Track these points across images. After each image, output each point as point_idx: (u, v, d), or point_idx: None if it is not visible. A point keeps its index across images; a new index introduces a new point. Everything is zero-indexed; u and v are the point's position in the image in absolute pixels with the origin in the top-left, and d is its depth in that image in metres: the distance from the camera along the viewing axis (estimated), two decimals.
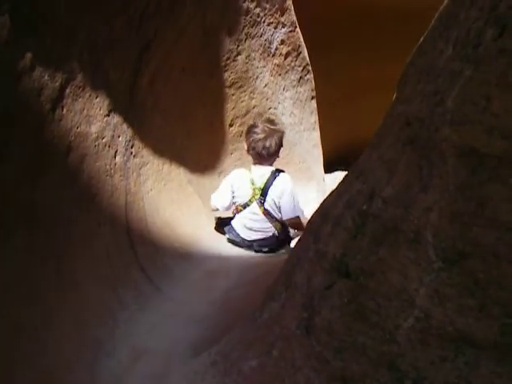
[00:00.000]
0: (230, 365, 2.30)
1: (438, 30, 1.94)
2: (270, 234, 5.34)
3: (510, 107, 1.34)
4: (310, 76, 7.85)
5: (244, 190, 5.34)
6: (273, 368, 2.01)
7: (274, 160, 5.44)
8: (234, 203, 5.47)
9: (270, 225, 5.33)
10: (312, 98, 8.08)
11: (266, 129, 5.24)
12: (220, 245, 5.05)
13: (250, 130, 5.35)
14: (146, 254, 3.70)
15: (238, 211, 5.44)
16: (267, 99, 6.79)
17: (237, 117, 6.36)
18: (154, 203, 4.20)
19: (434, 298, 1.45)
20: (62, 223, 2.76)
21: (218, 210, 5.55)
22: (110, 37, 3.43)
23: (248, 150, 5.40)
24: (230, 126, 6.31)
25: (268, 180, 5.23)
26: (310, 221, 2.50)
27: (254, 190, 5.28)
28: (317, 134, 8.22)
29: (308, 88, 7.91)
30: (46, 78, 2.64)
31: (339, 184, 2.38)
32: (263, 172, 5.31)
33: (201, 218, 5.22)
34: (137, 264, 3.52)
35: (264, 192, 5.21)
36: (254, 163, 5.42)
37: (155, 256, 3.85)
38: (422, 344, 1.47)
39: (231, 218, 5.51)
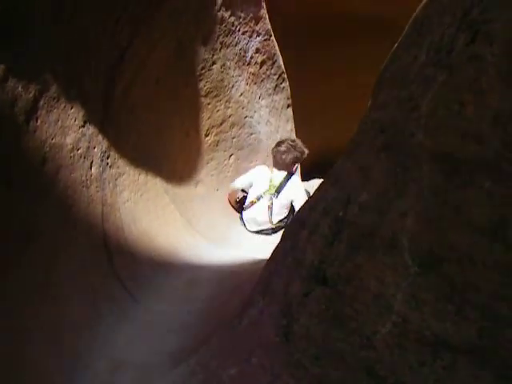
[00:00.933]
0: (209, 374, 2.29)
1: (411, 37, 1.96)
2: (269, 226, 6.65)
3: (483, 112, 1.34)
4: (286, 84, 7.87)
5: (262, 183, 6.65)
6: (252, 376, 2.01)
7: (289, 170, 6.65)
8: (245, 193, 6.94)
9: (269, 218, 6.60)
10: (288, 106, 8.09)
11: (288, 146, 6.64)
12: (197, 254, 5.04)
13: (278, 143, 6.76)
14: (124, 265, 3.68)
15: (251, 204, 6.64)
16: (243, 108, 6.80)
17: (213, 126, 6.36)
18: (131, 214, 4.18)
19: (411, 303, 1.46)
20: (37, 236, 2.74)
21: (236, 189, 6.90)
22: (83, 48, 3.42)
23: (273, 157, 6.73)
24: (206, 135, 6.30)
25: (282, 181, 6.56)
26: (287, 228, 2.51)
27: (270, 186, 6.58)
28: None
29: (284, 96, 7.93)
30: (20, 89, 2.62)
31: (315, 191, 2.39)
32: (280, 174, 6.63)
33: (178, 228, 5.20)
34: (114, 275, 3.50)
35: (278, 189, 6.53)
36: (274, 167, 6.75)
37: (132, 267, 3.83)
38: (400, 349, 1.47)
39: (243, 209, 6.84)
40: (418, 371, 1.43)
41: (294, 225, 2.36)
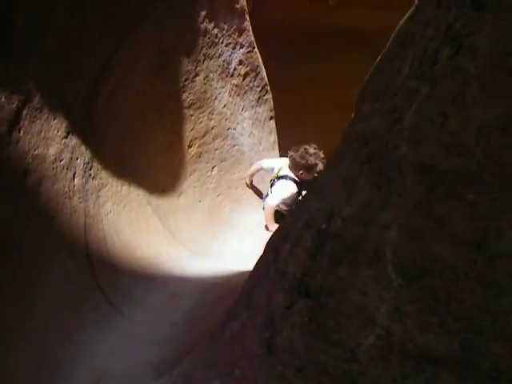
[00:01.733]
0: None
1: (394, 49, 1.96)
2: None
3: (467, 124, 1.35)
4: (269, 96, 7.86)
5: (275, 170, 7.11)
6: None
7: (297, 174, 6.94)
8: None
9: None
10: (271, 118, 8.09)
11: (303, 155, 6.82)
12: (180, 266, 5.02)
13: (296, 148, 6.93)
14: (106, 276, 3.66)
15: (271, 184, 7.14)
16: (226, 120, 6.79)
17: (196, 138, 6.34)
18: (114, 225, 4.16)
19: (394, 316, 1.46)
20: (20, 247, 2.73)
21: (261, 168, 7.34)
22: (66, 59, 3.41)
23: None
24: (189, 147, 6.28)
25: (280, 176, 7.00)
26: (269, 240, 2.50)
27: (275, 175, 7.05)
28: (276, 154, 8.22)
29: (267, 108, 7.92)
30: (3, 99, 2.61)
31: (299, 203, 2.39)
32: (286, 172, 7.00)
33: (160, 240, 5.18)
34: (96, 286, 3.48)
35: (273, 181, 7.05)
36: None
37: (115, 278, 3.82)
38: (384, 361, 1.47)
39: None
40: None
41: (277, 237, 2.36)
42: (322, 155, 6.85)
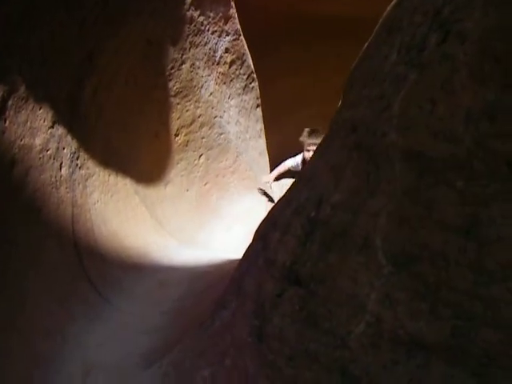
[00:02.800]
0: (182, 375, 2.28)
1: (381, 36, 1.96)
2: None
3: (455, 110, 1.35)
4: (255, 84, 7.86)
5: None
6: (225, 377, 2.00)
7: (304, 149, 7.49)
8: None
9: None
10: (257, 106, 8.09)
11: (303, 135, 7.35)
12: (168, 255, 5.02)
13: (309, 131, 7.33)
14: (94, 266, 3.65)
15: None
16: (212, 108, 6.78)
17: (182, 126, 6.32)
18: (101, 215, 4.15)
19: (384, 303, 1.46)
20: (7, 238, 2.71)
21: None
22: (50, 50, 3.39)
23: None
24: (176, 135, 6.26)
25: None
26: (258, 228, 2.50)
27: None
28: (263, 142, 8.24)
29: (253, 96, 7.92)
30: None
31: (287, 191, 2.38)
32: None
33: (148, 229, 5.18)
34: (85, 277, 3.47)
35: None
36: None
37: (103, 268, 3.81)
38: (374, 348, 1.47)
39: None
40: (392, 370, 1.43)
41: (265, 225, 2.35)
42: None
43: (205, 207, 6.91)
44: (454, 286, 1.32)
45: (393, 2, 2.01)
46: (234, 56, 7.10)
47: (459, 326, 1.31)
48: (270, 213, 2.44)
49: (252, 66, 7.59)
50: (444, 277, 1.34)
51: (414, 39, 1.60)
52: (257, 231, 2.49)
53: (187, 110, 6.31)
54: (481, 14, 1.33)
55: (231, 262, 4.04)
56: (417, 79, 1.50)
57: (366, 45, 2.16)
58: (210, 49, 6.50)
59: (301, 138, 7.37)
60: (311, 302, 1.71)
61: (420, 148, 1.43)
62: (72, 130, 3.70)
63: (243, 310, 2.09)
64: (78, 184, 3.77)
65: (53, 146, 3.33)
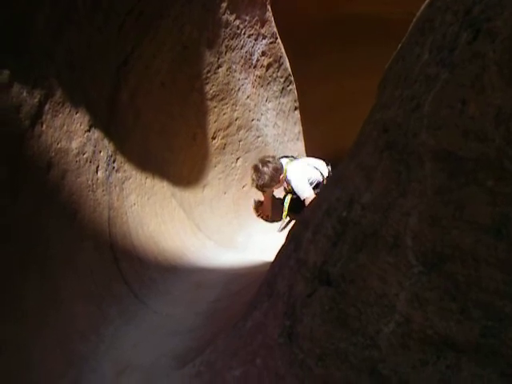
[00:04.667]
0: (214, 375, 2.30)
1: (414, 36, 1.95)
2: None
3: (486, 110, 1.34)
4: (293, 87, 7.86)
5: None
6: (256, 377, 2.01)
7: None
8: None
9: None
10: (295, 108, 8.09)
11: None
12: (205, 257, 5.04)
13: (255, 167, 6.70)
14: (131, 269, 3.69)
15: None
16: (250, 111, 6.79)
17: (219, 129, 6.35)
18: (138, 217, 4.18)
19: (414, 302, 1.46)
20: (44, 240, 2.75)
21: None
22: (88, 54, 3.43)
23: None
24: (213, 138, 6.30)
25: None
26: (291, 229, 2.50)
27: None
28: (301, 145, 8.24)
29: (291, 99, 7.92)
30: (25, 94, 2.63)
31: (319, 192, 2.39)
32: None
33: (185, 231, 5.20)
34: (121, 278, 3.50)
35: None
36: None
37: (139, 270, 3.84)
38: (403, 348, 1.47)
39: None
40: (421, 370, 1.42)
41: (298, 226, 2.36)
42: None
43: (243, 210, 6.93)
44: (485, 285, 1.32)
45: (426, 2, 2.01)
46: (270, 59, 7.11)
47: (489, 327, 1.30)
48: (302, 214, 2.44)
49: (289, 69, 7.60)
50: (474, 277, 1.34)
51: (445, 39, 1.59)
52: (290, 232, 2.50)
53: (224, 113, 6.34)
54: (510, 13, 1.33)
55: (266, 263, 4.05)
56: (447, 78, 1.50)
57: (399, 45, 2.16)
58: (246, 52, 6.52)
59: (254, 185, 6.76)
60: (341, 302, 1.71)
61: (451, 148, 1.43)
62: (109, 133, 3.74)
63: (274, 310, 2.10)
64: (115, 187, 3.81)
65: (89, 149, 3.36)
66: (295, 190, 6.74)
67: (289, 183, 6.88)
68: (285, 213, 6.99)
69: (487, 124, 1.33)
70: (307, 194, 6.53)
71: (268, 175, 6.56)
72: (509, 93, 1.30)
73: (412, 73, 1.79)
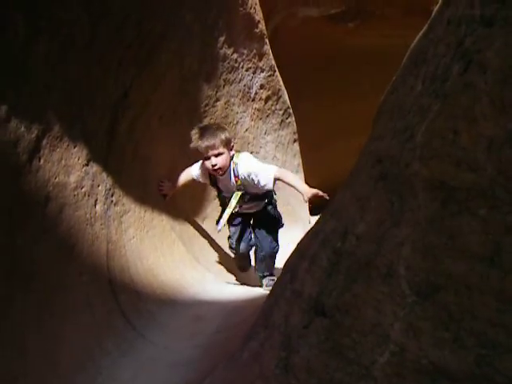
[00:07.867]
0: None
1: (408, 68, 1.98)
2: None
3: (478, 140, 1.35)
4: (292, 119, 7.89)
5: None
6: None
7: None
8: None
9: None
10: (294, 140, 8.11)
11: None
12: (204, 290, 5.03)
13: (200, 130, 5.21)
14: (129, 301, 3.68)
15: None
16: (248, 144, 6.81)
17: None
18: (137, 251, 4.18)
19: (408, 332, 1.46)
20: (42, 274, 2.75)
21: None
22: (87, 87, 3.46)
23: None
24: None
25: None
26: (287, 260, 2.51)
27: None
28: (301, 177, 8.24)
29: (290, 131, 7.94)
30: (23, 129, 2.65)
31: (315, 223, 2.40)
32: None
33: (184, 264, 5.20)
34: (119, 311, 3.50)
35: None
36: None
37: (138, 303, 3.83)
38: (399, 378, 1.46)
39: None
40: None
41: (294, 257, 2.37)
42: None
43: None
44: (478, 314, 1.32)
45: (419, 34, 2.03)
46: (269, 92, 7.14)
47: (483, 355, 1.30)
48: (298, 245, 2.45)
49: (288, 102, 7.63)
50: (467, 305, 1.34)
51: (438, 70, 1.61)
52: (286, 264, 2.50)
53: None
54: (501, 44, 1.35)
55: (265, 295, 4.05)
56: (440, 109, 1.51)
57: (394, 77, 2.18)
58: (244, 85, 6.55)
59: (192, 144, 5.07)
60: (336, 333, 1.71)
61: (443, 177, 1.44)
62: (107, 166, 3.75)
63: (271, 341, 2.10)
64: (113, 220, 3.82)
65: (87, 183, 3.38)
66: (257, 178, 5.14)
67: (238, 176, 5.30)
68: (230, 209, 5.39)
69: (479, 154, 1.35)
70: (273, 169, 5.24)
71: (220, 139, 5.05)
72: (500, 123, 1.31)
73: (405, 104, 1.81)
